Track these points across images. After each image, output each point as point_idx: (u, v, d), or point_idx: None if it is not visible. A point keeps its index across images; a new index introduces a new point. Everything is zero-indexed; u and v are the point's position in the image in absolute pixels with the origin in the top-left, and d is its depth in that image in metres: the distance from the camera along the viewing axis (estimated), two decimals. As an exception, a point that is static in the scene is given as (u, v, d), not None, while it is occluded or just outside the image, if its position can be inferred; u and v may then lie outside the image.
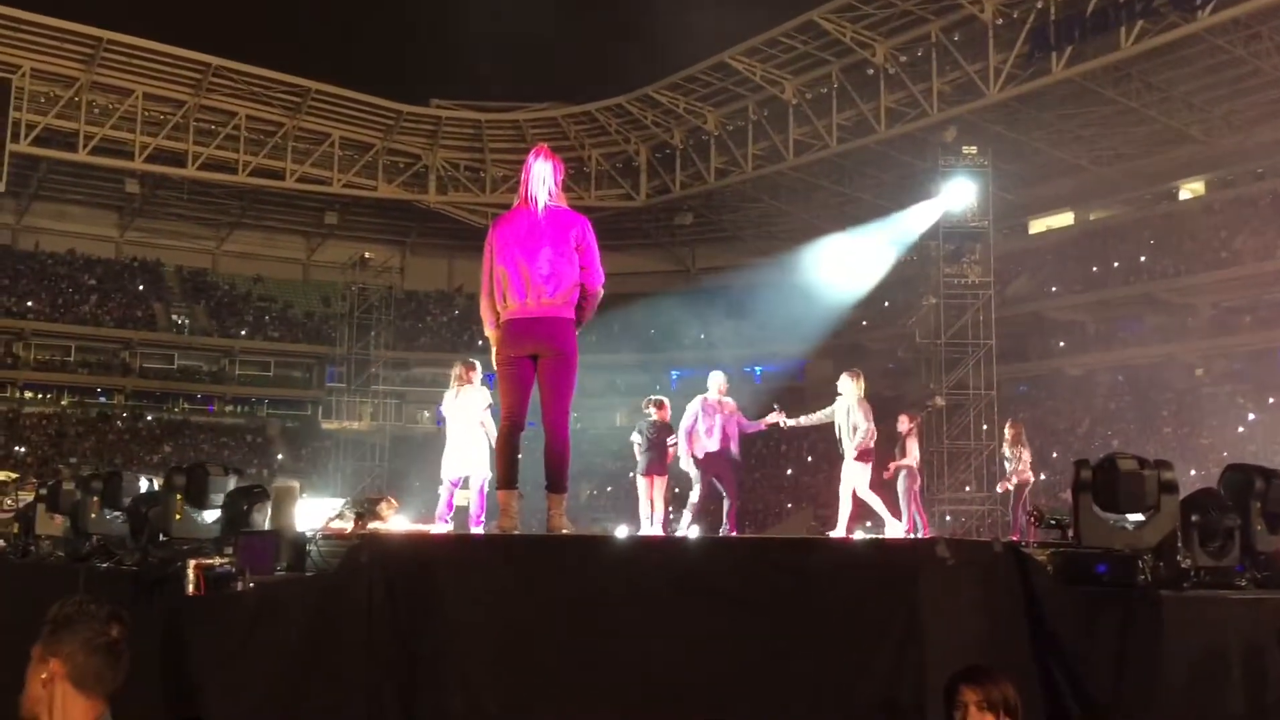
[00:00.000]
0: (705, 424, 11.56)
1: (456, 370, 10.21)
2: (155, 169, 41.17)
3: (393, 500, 9.97)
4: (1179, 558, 4.27)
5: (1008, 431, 16.68)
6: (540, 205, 5.82)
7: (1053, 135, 36.23)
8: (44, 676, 2.95)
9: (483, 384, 9.86)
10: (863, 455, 11.97)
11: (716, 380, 11.77)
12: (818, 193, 41.36)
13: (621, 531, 11.14)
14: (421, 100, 44.11)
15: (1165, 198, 38.63)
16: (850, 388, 12.07)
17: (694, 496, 11.72)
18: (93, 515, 6.20)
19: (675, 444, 11.79)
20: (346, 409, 42.80)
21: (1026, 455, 15.97)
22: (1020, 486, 15.79)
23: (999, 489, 16.39)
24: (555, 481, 5.80)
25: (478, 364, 9.96)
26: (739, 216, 45.49)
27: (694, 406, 11.65)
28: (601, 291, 5.91)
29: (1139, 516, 4.58)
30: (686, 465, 11.71)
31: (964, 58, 33.09)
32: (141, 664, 4.53)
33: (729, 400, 11.78)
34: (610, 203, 42.63)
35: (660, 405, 11.98)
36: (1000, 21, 32.02)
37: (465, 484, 9.99)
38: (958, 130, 33.36)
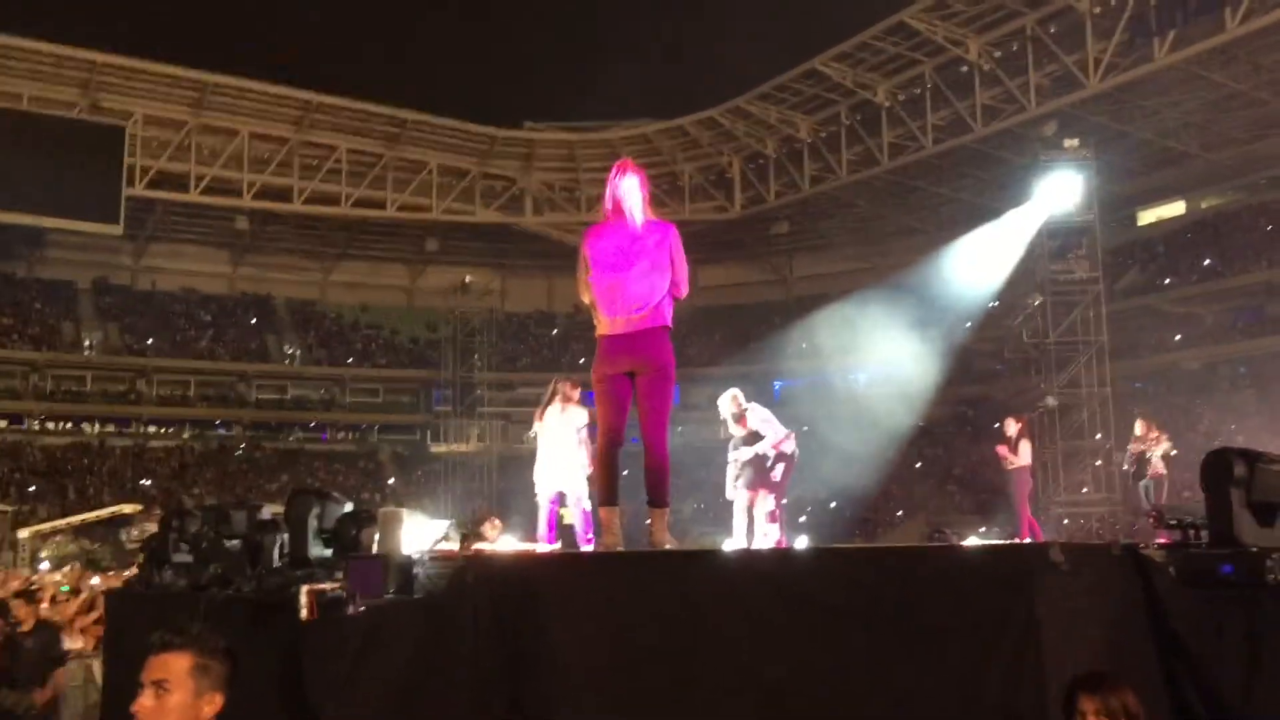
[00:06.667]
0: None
1: (560, 388, 10.14)
2: (263, 205, 42.54)
3: (496, 521, 10.03)
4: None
5: (1138, 427, 15.80)
6: (638, 220, 5.83)
7: (1159, 123, 35.14)
8: (209, 709, 2.86)
9: (581, 402, 9.82)
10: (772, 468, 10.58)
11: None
12: (915, 195, 40.80)
13: (727, 546, 11.01)
14: (515, 124, 44.74)
15: (1281, 181, 37.26)
16: (726, 406, 10.66)
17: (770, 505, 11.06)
18: (209, 545, 6.36)
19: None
20: (454, 432, 43.51)
21: (1159, 449, 15.18)
22: (1157, 482, 15.08)
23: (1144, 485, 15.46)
24: (657, 496, 5.79)
25: (580, 384, 9.88)
26: (835, 223, 45.08)
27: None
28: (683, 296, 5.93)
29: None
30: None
31: (1061, 49, 32.34)
32: (260, 688, 4.64)
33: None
34: (705, 215, 42.58)
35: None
36: (1098, 10, 31.21)
37: (563, 501, 9.98)
38: (1058, 124, 32.60)
